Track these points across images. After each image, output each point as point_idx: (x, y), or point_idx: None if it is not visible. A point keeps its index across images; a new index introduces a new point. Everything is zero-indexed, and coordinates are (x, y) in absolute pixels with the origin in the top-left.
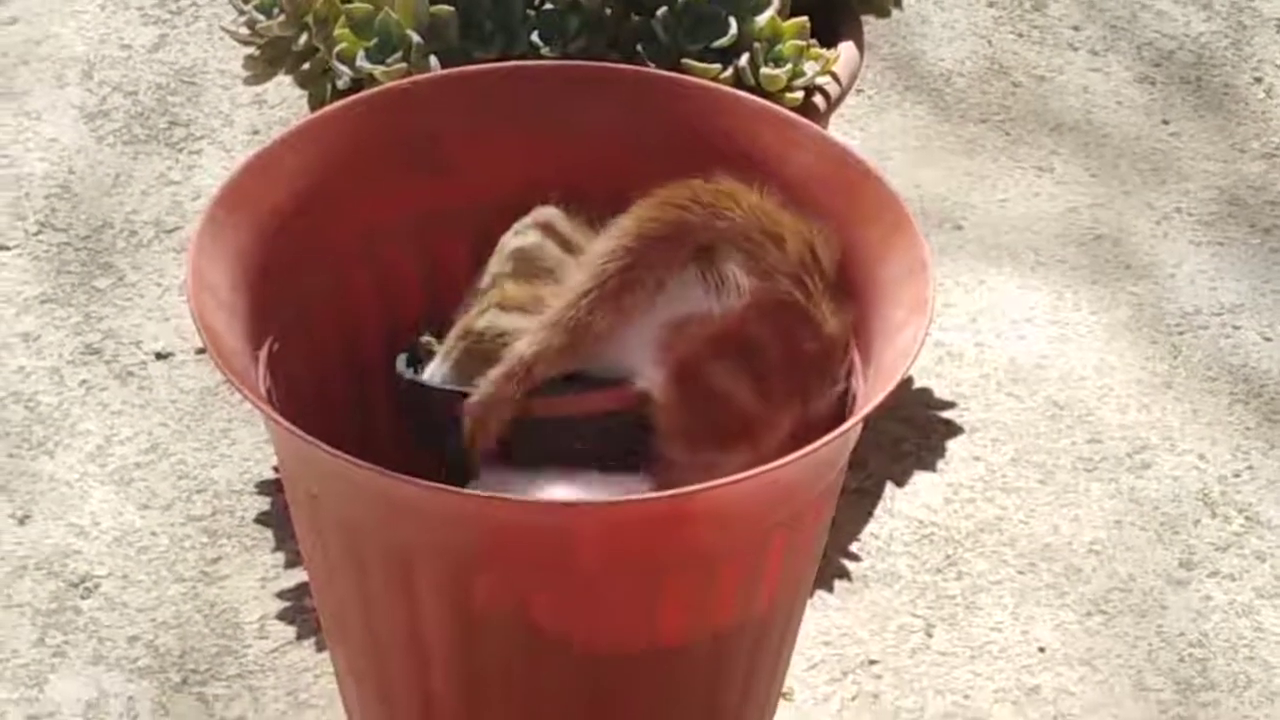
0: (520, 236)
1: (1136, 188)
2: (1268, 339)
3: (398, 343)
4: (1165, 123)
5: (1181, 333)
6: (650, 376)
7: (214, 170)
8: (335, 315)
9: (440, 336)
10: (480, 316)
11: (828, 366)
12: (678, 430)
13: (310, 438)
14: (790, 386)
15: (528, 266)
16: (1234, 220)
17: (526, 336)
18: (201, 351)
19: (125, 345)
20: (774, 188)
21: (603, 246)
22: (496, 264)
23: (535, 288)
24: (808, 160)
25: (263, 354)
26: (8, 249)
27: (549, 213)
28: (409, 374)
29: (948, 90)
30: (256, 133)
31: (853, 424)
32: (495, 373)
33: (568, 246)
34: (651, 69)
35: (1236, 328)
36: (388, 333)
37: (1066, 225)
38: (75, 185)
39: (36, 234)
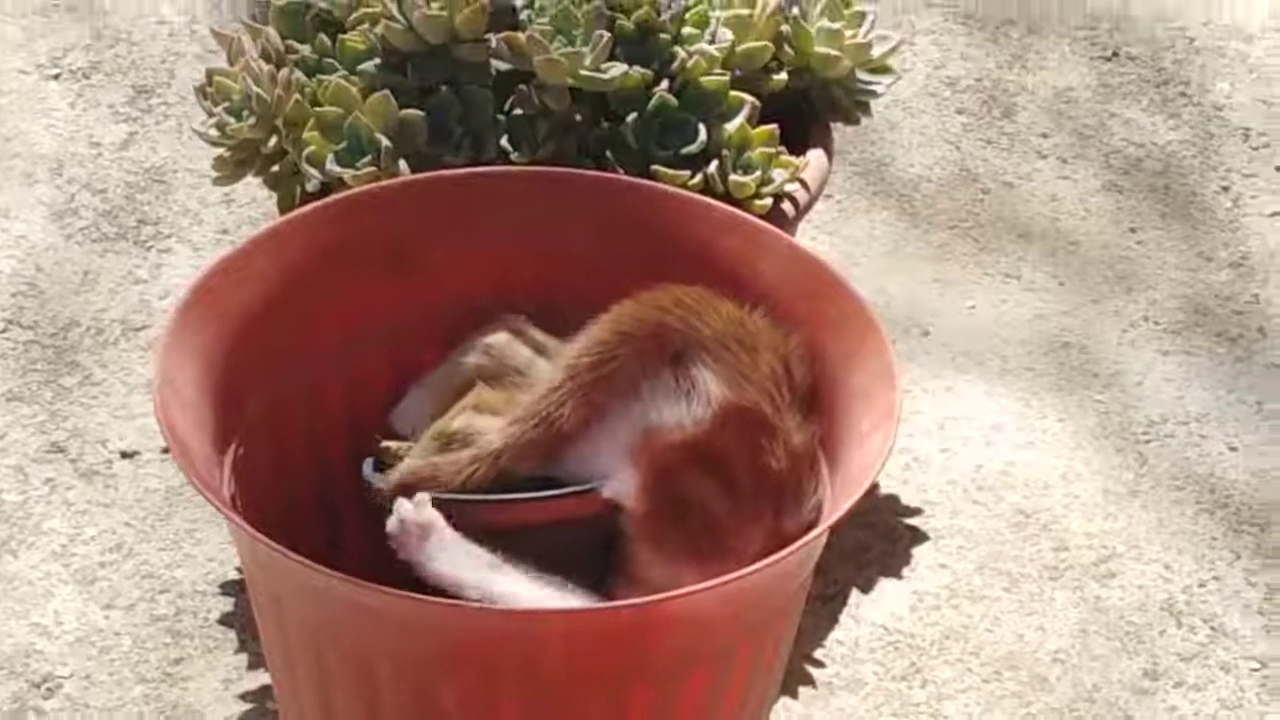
0: (490, 334)
1: (1104, 295)
2: (1233, 449)
3: (362, 445)
4: (1133, 230)
5: (1148, 441)
6: (622, 482)
7: (182, 269)
8: (303, 418)
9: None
10: (455, 419)
11: (796, 482)
12: (648, 539)
13: (273, 544)
14: (761, 501)
15: (495, 364)
16: (1201, 329)
17: (497, 428)
18: (167, 451)
19: (91, 444)
20: (744, 295)
21: (580, 343)
22: (457, 355)
23: (511, 393)
24: (777, 268)
25: (228, 457)
26: None
27: (518, 321)
28: (377, 478)
29: (916, 196)
30: (225, 232)
31: (817, 534)
32: (464, 454)
33: (538, 349)
34: (620, 175)
35: (1203, 437)
36: (352, 435)
37: (1034, 332)
38: (43, 283)
39: (3, 331)
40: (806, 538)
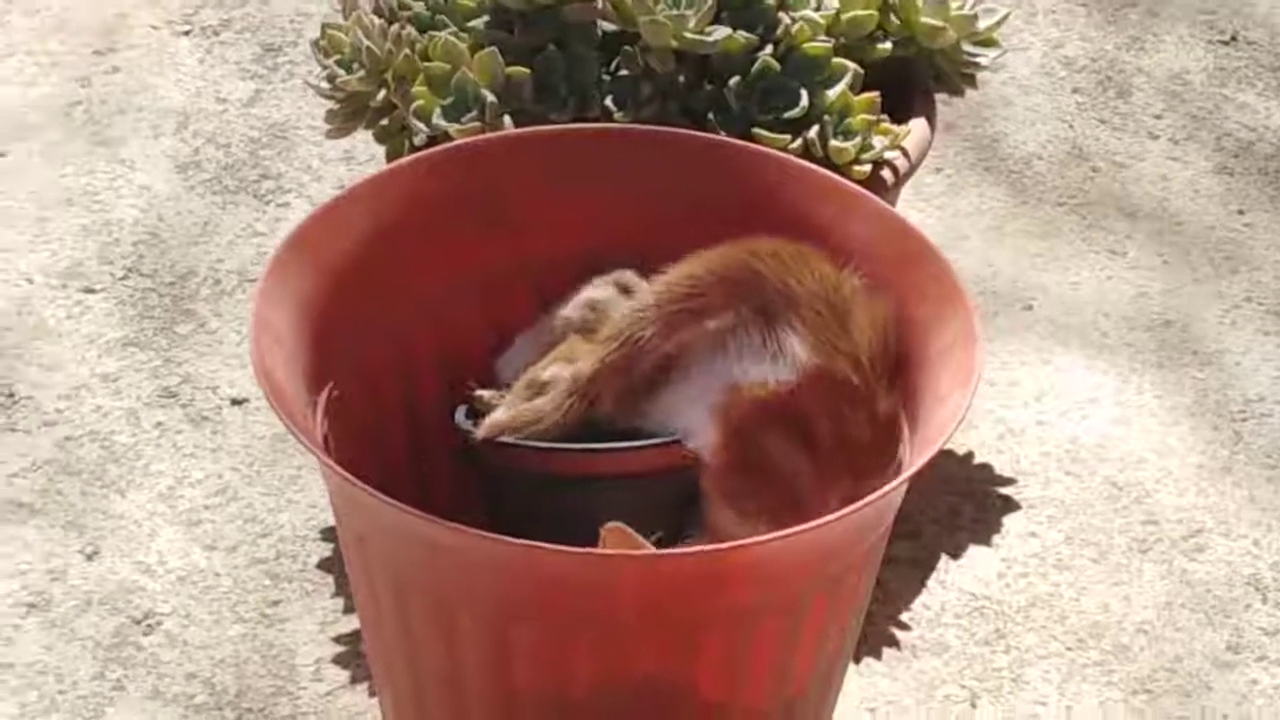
0: (596, 289)
1: (1207, 276)
2: None
3: (457, 395)
4: (1240, 213)
5: (1244, 419)
6: (702, 438)
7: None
8: (395, 365)
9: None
10: (545, 369)
11: (880, 450)
12: (726, 495)
13: (356, 480)
14: (840, 465)
15: (598, 319)
16: None
17: (586, 358)
18: None
19: (202, 390)
20: (834, 256)
21: (672, 273)
22: (568, 310)
23: (600, 344)
24: (867, 230)
25: (321, 400)
26: (94, 292)
27: (627, 275)
28: (468, 425)
29: (1027, 173)
30: (343, 187)
31: (891, 488)
32: (559, 389)
33: None
34: (719, 136)
35: None
36: (447, 385)
37: (1136, 309)
38: (164, 232)
39: (123, 278)
40: (880, 491)
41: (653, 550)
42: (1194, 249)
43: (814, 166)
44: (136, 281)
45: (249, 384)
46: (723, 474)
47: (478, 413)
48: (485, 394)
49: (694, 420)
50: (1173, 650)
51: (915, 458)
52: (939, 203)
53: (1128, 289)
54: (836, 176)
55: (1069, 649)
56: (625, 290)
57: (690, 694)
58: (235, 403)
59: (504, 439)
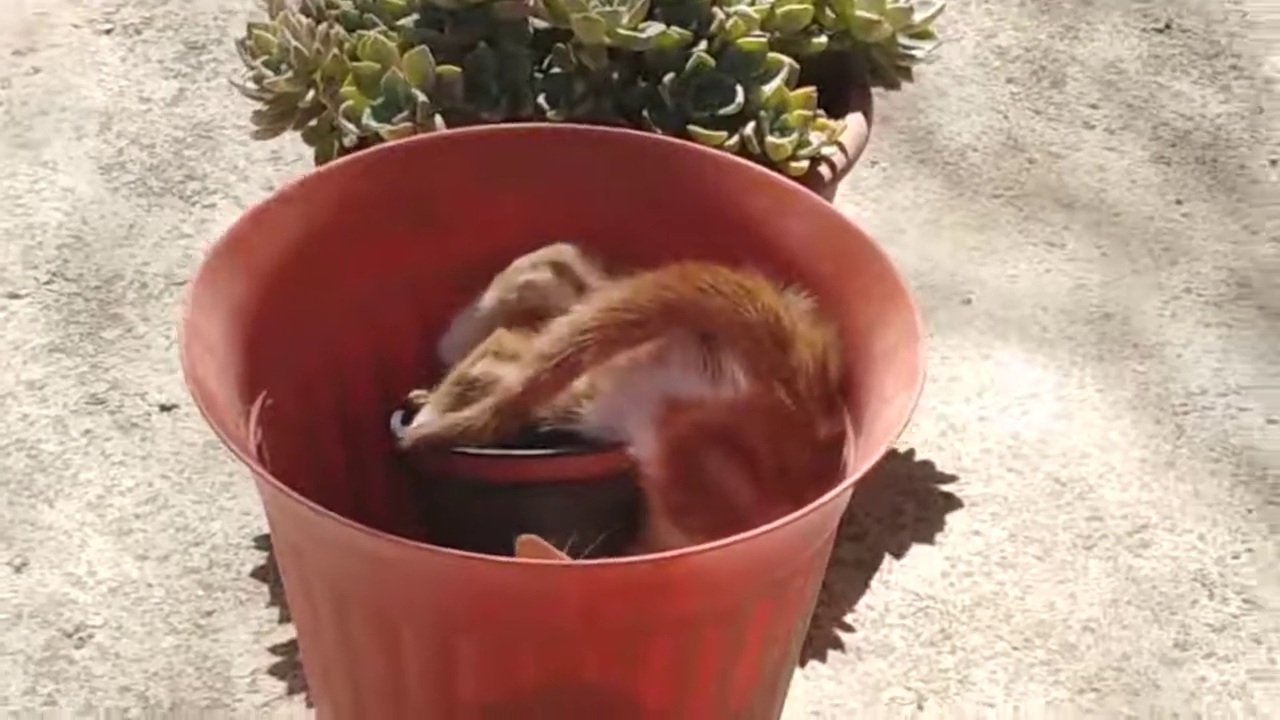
0: (535, 271)
1: (1147, 267)
2: (1272, 421)
3: (392, 401)
4: (1179, 203)
5: (1186, 413)
6: (641, 448)
7: (228, 224)
8: (329, 370)
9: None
10: (474, 364)
11: (820, 475)
12: (669, 510)
13: (293, 493)
14: (781, 489)
15: (538, 300)
16: (1244, 302)
17: (516, 370)
18: None
19: (130, 397)
20: (771, 254)
21: (616, 294)
22: (501, 289)
23: (530, 340)
24: (804, 227)
25: (255, 409)
26: (19, 297)
27: (566, 251)
28: (403, 431)
29: (962, 165)
30: (271, 188)
31: (837, 494)
32: (486, 403)
33: (580, 289)
34: (653, 134)
35: (1242, 410)
36: (382, 391)
37: (1075, 302)
38: (88, 236)
39: (47, 283)
40: (824, 498)
41: (566, 561)
42: (1132, 240)
43: (749, 164)
44: (61, 286)
45: (178, 390)
46: (665, 488)
47: (413, 417)
48: (416, 394)
49: (632, 428)
50: (1120, 648)
51: (861, 461)
52: (875, 195)
53: (1066, 281)
54: (772, 173)
55: (1015, 649)
56: (561, 270)
57: (635, 702)
58: (164, 409)
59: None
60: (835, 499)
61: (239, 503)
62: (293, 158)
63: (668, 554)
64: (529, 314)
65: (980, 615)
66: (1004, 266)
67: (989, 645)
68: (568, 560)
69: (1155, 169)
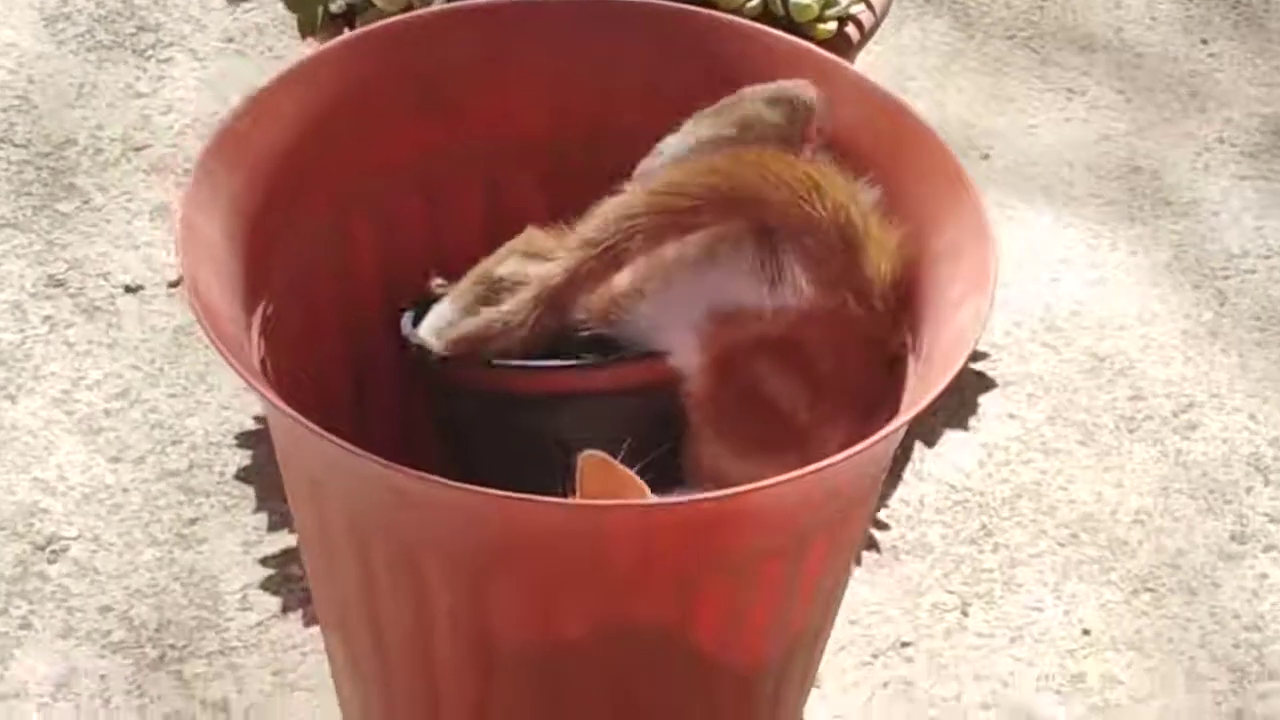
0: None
1: (1175, 115)
2: None
3: (398, 298)
4: (1204, 42)
5: (1227, 277)
6: (685, 358)
7: (186, 81)
8: (333, 269)
9: (442, 290)
10: (501, 262)
11: (886, 389)
12: (715, 427)
13: (315, 428)
14: (843, 404)
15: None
16: (1279, 153)
17: (556, 260)
18: (174, 285)
19: (92, 277)
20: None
21: (667, 177)
22: (723, 121)
23: (564, 238)
24: (850, 109)
25: (256, 318)
26: None
27: (536, 240)
28: (417, 336)
29: (971, 3)
30: (230, 40)
31: (897, 426)
32: (522, 296)
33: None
34: (679, 4)
35: None
36: (387, 288)
37: (1101, 155)
38: (35, 96)
39: None
40: (887, 429)
41: (638, 484)
42: (1157, 84)
43: (781, 34)
44: (9, 153)
45: (143, 268)
46: (711, 404)
47: (423, 318)
48: (436, 283)
49: (675, 337)
50: (1173, 543)
51: (931, 376)
52: (879, 38)
53: (1090, 132)
54: (809, 45)
55: (1062, 545)
56: (792, 116)
57: (688, 643)
58: (129, 290)
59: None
60: (896, 431)
61: (216, 395)
62: (252, 4)
63: (730, 491)
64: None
65: (1022, 508)
66: (1022, 116)
67: (1033, 542)
68: (636, 481)
69: (1176, 5)
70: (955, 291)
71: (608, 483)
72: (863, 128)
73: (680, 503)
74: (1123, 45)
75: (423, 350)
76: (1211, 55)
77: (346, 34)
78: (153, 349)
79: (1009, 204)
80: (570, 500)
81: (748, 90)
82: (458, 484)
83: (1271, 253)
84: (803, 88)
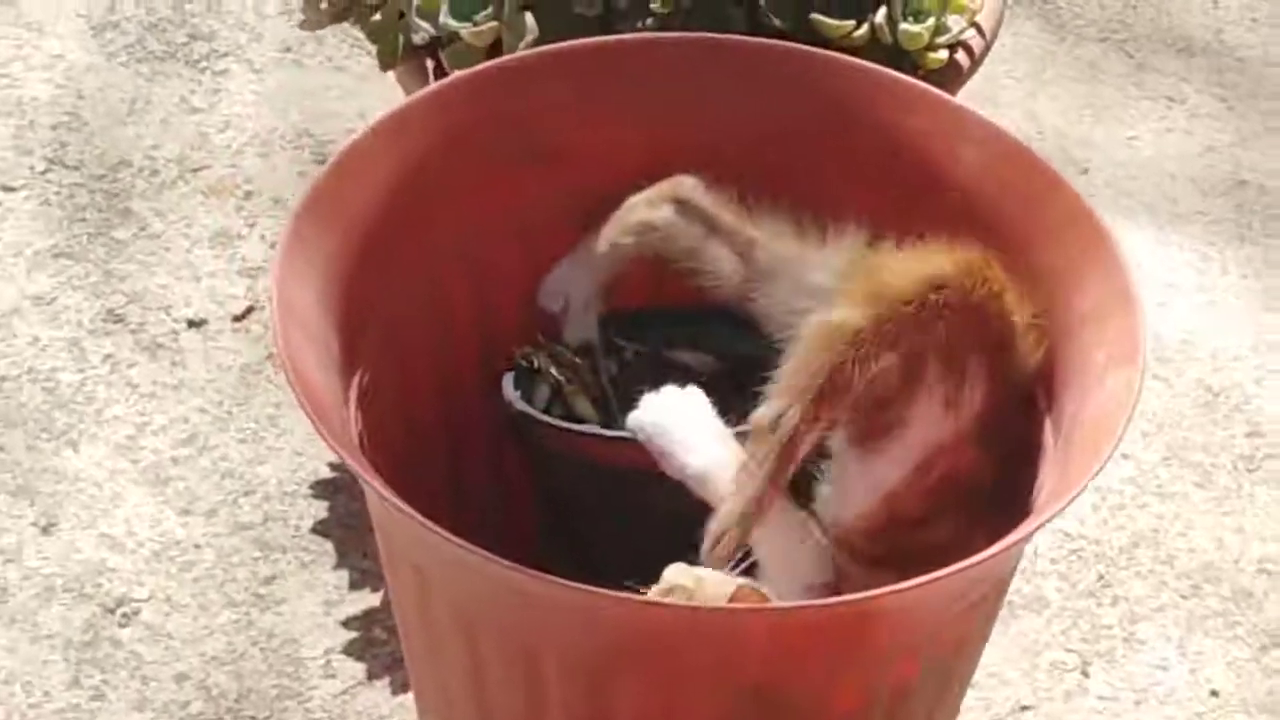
0: (653, 209)
1: None
2: None
3: (494, 352)
4: None
5: None
6: (850, 503)
7: (243, 95)
8: (429, 328)
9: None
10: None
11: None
12: (864, 559)
13: (428, 523)
14: (998, 513)
15: (660, 243)
16: None
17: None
18: (239, 318)
19: (152, 311)
20: (939, 186)
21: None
22: (616, 231)
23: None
24: (979, 158)
25: (353, 389)
26: (13, 189)
27: (686, 184)
28: (519, 400)
29: (1063, 4)
30: (289, 49)
31: (1063, 508)
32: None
33: (709, 225)
34: (788, 43)
35: None
36: (483, 341)
37: (1205, 168)
38: (85, 113)
39: (44, 172)
40: (1035, 524)
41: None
42: (1261, 89)
43: (901, 76)
44: (61, 176)
45: (206, 301)
46: (868, 542)
47: (525, 377)
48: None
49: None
50: None
51: (1070, 456)
52: None
53: (1193, 143)
54: (932, 89)
55: (1184, 597)
56: (685, 208)
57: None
58: (192, 325)
59: (568, 425)
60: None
61: (289, 440)
62: None
63: (868, 594)
64: (652, 259)
65: (1140, 557)
66: (1120, 127)
67: (1154, 594)
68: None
69: (1277, 5)
70: (1098, 359)
71: None
72: (993, 178)
73: (813, 606)
74: (1223, 48)
75: (526, 416)
76: None
77: (437, 83)
78: (220, 390)
79: (1110, 222)
80: (693, 605)
81: (634, 198)
82: (580, 586)
83: None
84: (679, 184)
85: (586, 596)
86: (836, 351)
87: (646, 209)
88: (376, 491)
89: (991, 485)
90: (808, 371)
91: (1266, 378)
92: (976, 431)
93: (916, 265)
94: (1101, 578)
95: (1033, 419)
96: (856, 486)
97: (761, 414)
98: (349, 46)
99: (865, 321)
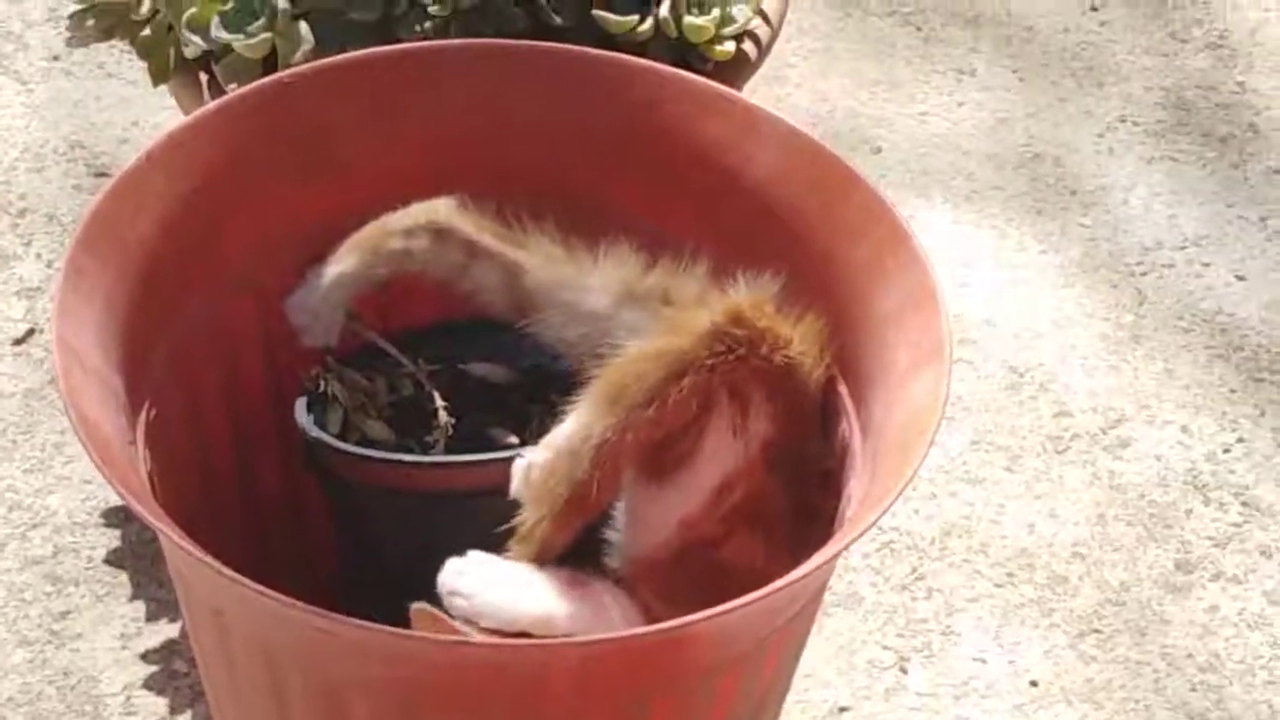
0: (410, 239)
1: (1071, 92)
2: (1240, 277)
3: (284, 384)
4: (1094, 10)
5: (1144, 273)
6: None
7: (13, 108)
8: (215, 361)
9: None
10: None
11: (829, 515)
12: (657, 593)
13: (223, 568)
14: (794, 537)
15: (418, 265)
16: (1185, 130)
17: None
18: (20, 342)
19: None
20: (737, 188)
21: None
22: (367, 255)
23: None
24: (775, 158)
25: (140, 425)
26: None
27: (442, 209)
28: (312, 427)
29: None
30: (57, 58)
31: (874, 521)
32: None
33: (470, 251)
34: (577, 47)
35: (1205, 264)
36: (270, 366)
37: (998, 142)
38: None
39: None
40: (847, 539)
41: (461, 636)
42: (1050, 59)
43: (694, 77)
44: None
45: None
46: (658, 575)
47: (315, 401)
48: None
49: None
50: (1115, 577)
51: (878, 461)
52: None
53: (985, 116)
54: (727, 90)
55: (999, 586)
56: (441, 235)
57: None
58: None
59: (365, 452)
60: (861, 535)
61: (76, 468)
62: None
63: (679, 622)
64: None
65: (953, 547)
66: (911, 103)
67: (969, 584)
68: (468, 634)
69: None
70: (902, 360)
71: (433, 632)
72: (790, 177)
73: (626, 636)
74: (1010, 18)
75: (319, 443)
76: (1103, 24)
77: (214, 102)
78: (2, 418)
79: (906, 201)
80: (504, 643)
81: (386, 221)
82: (383, 628)
83: (1187, 243)
84: (433, 209)
85: (390, 638)
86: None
87: (402, 238)
88: (170, 539)
89: (791, 504)
90: (612, 385)
91: (1069, 354)
92: (767, 457)
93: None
94: (915, 570)
95: (832, 429)
96: (651, 519)
97: (567, 430)
98: (120, 53)
99: (671, 345)
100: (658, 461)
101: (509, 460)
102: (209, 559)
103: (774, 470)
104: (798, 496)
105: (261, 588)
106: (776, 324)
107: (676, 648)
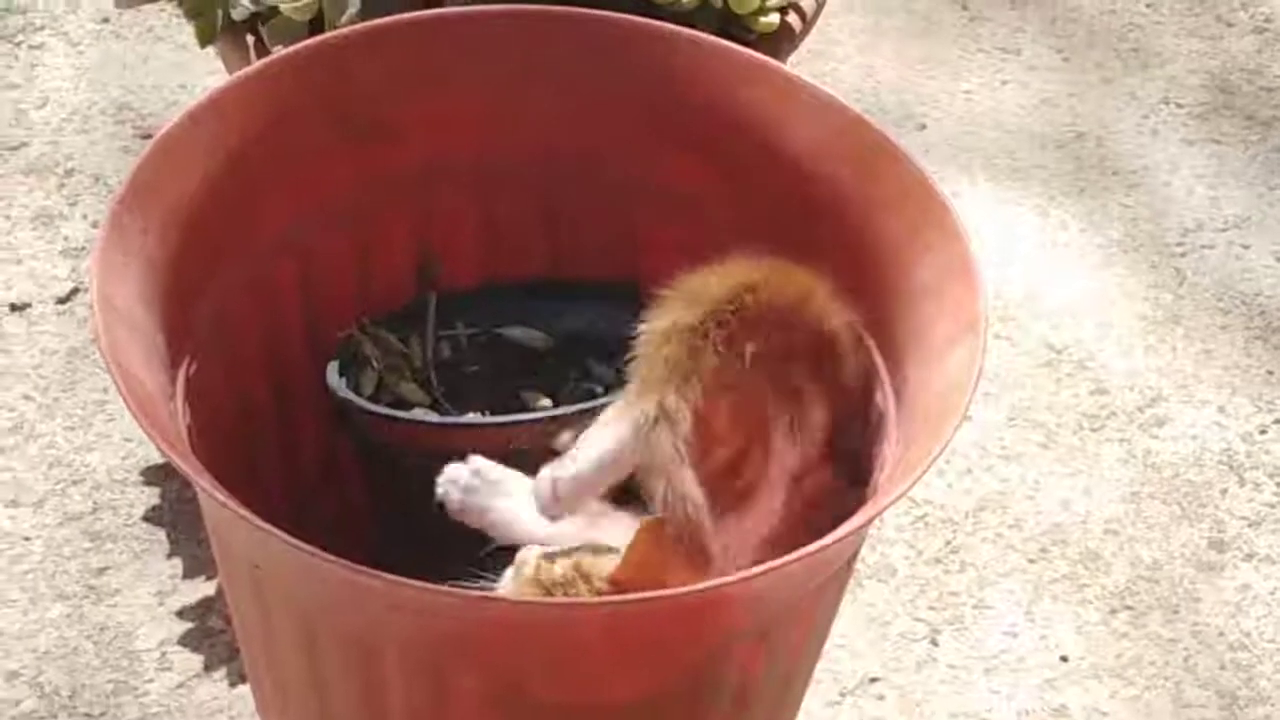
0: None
1: (1116, 73)
2: None
3: (324, 337)
4: None
5: (1184, 254)
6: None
7: (62, 70)
8: (256, 320)
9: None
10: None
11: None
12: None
13: (261, 522)
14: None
15: None
16: (1228, 112)
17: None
18: (64, 300)
19: None
20: (776, 158)
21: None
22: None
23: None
24: (813, 129)
25: (179, 379)
26: None
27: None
28: (343, 388)
29: None
30: (106, 20)
31: (912, 484)
32: None
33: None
34: (626, 16)
35: (1245, 246)
36: (312, 327)
37: (1042, 121)
38: None
39: None
40: (871, 513)
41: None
42: (1095, 41)
43: (735, 47)
44: None
45: (28, 284)
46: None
47: (349, 363)
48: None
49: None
50: (1149, 554)
51: (913, 432)
52: None
53: (1029, 96)
54: (769, 60)
55: (1032, 561)
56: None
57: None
58: (15, 309)
59: (391, 413)
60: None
61: (118, 426)
62: None
63: (711, 583)
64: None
65: (987, 521)
66: (956, 80)
67: (1002, 559)
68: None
69: None
70: (939, 332)
71: (656, 554)
72: (827, 148)
73: (652, 598)
74: None
75: (350, 404)
76: (1149, 5)
77: (255, 64)
78: (45, 376)
79: (950, 178)
80: (537, 600)
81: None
82: (417, 583)
83: (1228, 225)
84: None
85: (424, 594)
86: (681, 341)
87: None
88: (209, 493)
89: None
90: (662, 365)
91: (1107, 334)
92: (827, 451)
93: (726, 273)
94: (948, 544)
95: (870, 405)
96: (738, 548)
97: (637, 413)
98: (169, 16)
99: (696, 319)
100: (728, 493)
101: (538, 422)
102: (245, 512)
103: (835, 459)
104: (852, 469)
105: (296, 541)
106: (810, 286)
107: (707, 609)
